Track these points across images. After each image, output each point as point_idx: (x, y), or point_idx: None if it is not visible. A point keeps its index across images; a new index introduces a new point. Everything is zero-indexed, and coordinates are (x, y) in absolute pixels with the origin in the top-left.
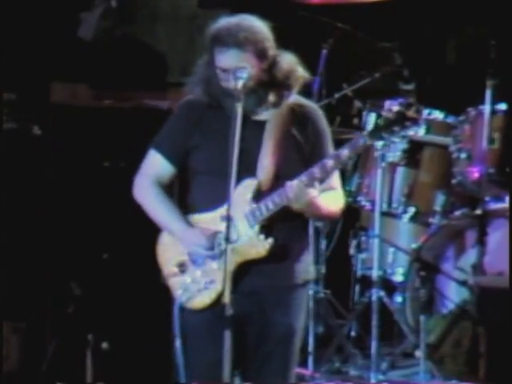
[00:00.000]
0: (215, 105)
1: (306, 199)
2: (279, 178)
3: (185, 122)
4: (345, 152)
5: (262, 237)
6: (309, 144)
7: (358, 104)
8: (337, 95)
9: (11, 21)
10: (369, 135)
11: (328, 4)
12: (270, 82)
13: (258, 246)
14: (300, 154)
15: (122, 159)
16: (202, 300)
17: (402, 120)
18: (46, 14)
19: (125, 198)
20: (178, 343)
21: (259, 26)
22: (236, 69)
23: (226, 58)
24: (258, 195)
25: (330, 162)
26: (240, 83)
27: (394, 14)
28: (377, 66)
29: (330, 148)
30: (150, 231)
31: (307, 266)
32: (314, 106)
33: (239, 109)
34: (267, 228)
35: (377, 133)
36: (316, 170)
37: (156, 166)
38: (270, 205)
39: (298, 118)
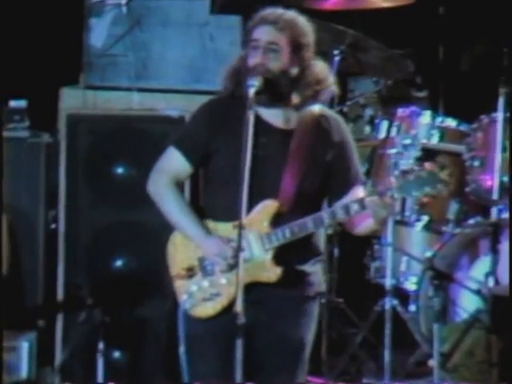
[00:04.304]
0: (242, 97)
1: (386, 212)
2: (300, 195)
3: (207, 123)
4: (355, 206)
5: (274, 262)
6: (330, 155)
7: (370, 111)
8: (349, 102)
9: (21, 28)
10: (397, 189)
11: (340, 10)
12: (298, 81)
13: (270, 271)
14: (321, 167)
15: (132, 167)
16: (205, 310)
17: (433, 180)
18: (57, 20)
19: (136, 206)
20: (182, 348)
21: (304, 23)
22: (267, 47)
23: (260, 31)
24: (277, 216)
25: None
26: (252, 91)
27: (407, 20)
28: (389, 73)
29: (354, 163)
30: (161, 238)
31: (319, 278)
32: (339, 118)
33: (251, 116)
34: (281, 252)
35: (407, 189)
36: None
37: (174, 163)
38: (288, 233)
39: (323, 129)
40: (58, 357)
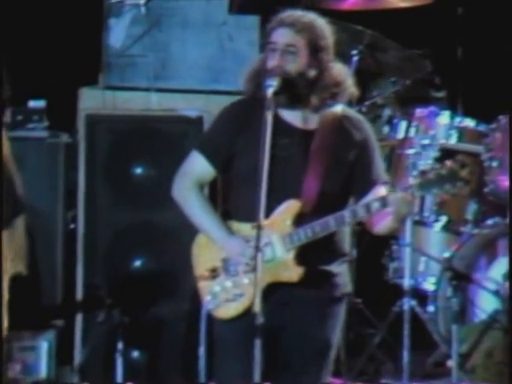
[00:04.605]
0: (263, 99)
1: (408, 209)
2: (323, 195)
3: (229, 126)
4: (375, 204)
5: (296, 262)
6: (352, 154)
7: (388, 112)
8: (367, 102)
9: (40, 28)
10: (418, 187)
11: (358, 11)
12: (316, 83)
13: (291, 270)
14: (343, 167)
15: (151, 167)
16: (228, 310)
17: (453, 178)
18: (76, 21)
19: (155, 206)
20: (202, 349)
21: (323, 25)
22: (285, 49)
23: (278, 34)
24: (300, 216)
25: (360, 211)
26: (270, 91)
27: (425, 20)
28: (407, 73)
29: (376, 162)
30: (180, 239)
31: (345, 279)
32: (362, 118)
33: (269, 116)
34: (305, 252)
35: (427, 186)
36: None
37: (198, 167)
38: (309, 232)
39: (345, 129)
40: (77, 357)
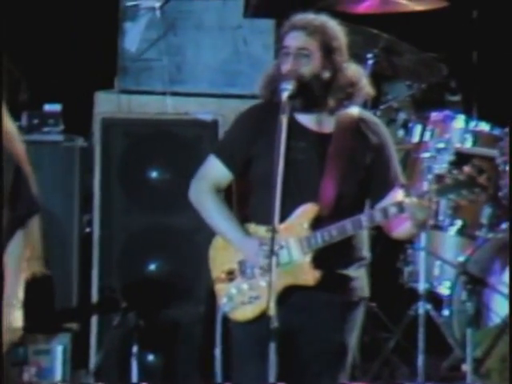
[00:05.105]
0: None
1: (425, 215)
2: (340, 199)
3: (247, 130)
4: (392, 209)
5: (313, 265)
6: (369, 158)
7: (403, 115)
8: (382, 106)
9: (56, 32)
10: (435, 192)
11: (373, 13)
12: (331, 85)
13: (308, 274)
14: (360, 171)
15: (166, 171)
16: (244, 313)
17: (471, 184)
18: (91, 25)
19: (170, 210)
20: (217, 351)
21: (335, 27)
22: (298, 52)
23: (291, 38)
24: (317, 220)
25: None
26: (285, 94)
27: (441, 24)
28: (423, 76)
29: (392, 166)
30: (195, 242)
31: (363, 283)
32: (378, 121)
33: (285, 120)
34: (322, 256)
35: (444, 192)
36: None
37: (214, 171)
38: (326, 236)
39: (362, 132)
40: (93, 360)
